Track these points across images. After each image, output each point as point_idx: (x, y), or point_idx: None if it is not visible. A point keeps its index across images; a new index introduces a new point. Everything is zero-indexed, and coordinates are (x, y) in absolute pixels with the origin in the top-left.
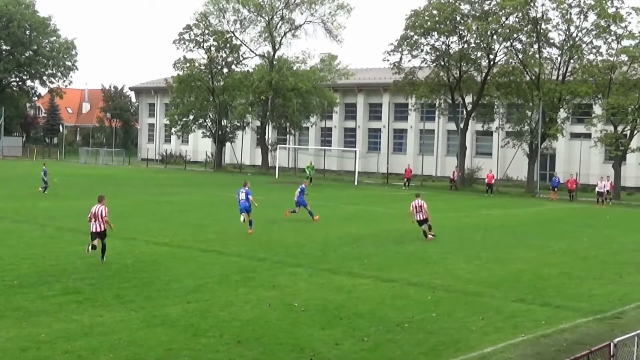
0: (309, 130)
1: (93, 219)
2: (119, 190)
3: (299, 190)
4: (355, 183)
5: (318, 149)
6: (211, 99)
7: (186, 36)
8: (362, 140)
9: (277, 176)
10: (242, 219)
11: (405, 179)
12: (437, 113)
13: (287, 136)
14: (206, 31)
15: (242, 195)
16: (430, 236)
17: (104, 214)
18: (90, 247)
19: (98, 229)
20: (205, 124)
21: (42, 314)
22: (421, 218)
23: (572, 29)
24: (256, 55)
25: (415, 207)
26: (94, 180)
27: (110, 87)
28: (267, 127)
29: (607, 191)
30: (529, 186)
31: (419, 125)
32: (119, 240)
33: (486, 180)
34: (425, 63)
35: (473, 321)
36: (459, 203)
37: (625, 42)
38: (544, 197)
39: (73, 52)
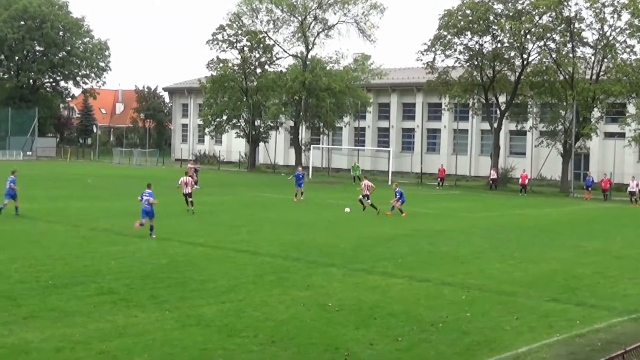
0: (343, 130)
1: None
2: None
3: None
4: (389, 183)
5: (351, 148)
6: (244, 99)
7: (219, 36)
8: (396, 140)
9: (310, 176)
10: (138, 224)
11: (439, 179)
12: (470, 113)
13: (321, 136)
14: (239, 31)
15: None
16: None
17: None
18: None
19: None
20: (239, 124)
21: (77, 314)
22: (366, 193)
23: (606, 28)
24: (289, 55)
25: (366, 185)
26: (128, 181)
27: (143, 87)
28: (300, 127)
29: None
30: (563, 186)
31: (453, 125)
32: (153, 241)
33: (520, 180)
34: (459, 63)
35: (507, 321)
36: (492, 203)
37: None
38: (578, 197)
39: (106, 53)
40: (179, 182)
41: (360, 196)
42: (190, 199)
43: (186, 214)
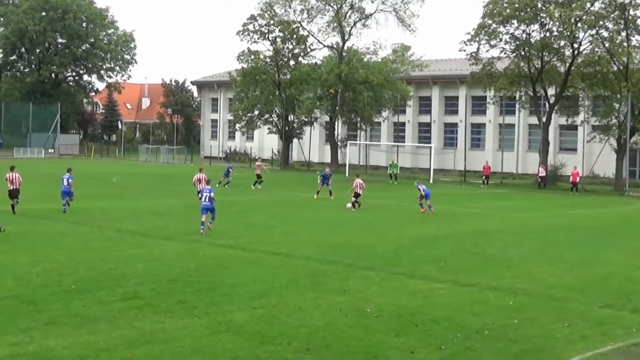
0: (381, 125)
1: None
2: (180, 189)
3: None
4: (431, 181)
5: (391, 145)
6: (277, 93)
7: (250, 27)
8: (438, 135)
9: (347, 174)
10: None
11: (484, 177)
12: (517, 106)
13: (358, 132)
14: (271, 21)
15: (65, 182)
16: (349, 205)
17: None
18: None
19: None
20: (271, 119)
21: (101, 320)
22: (358, 191)
23: None
24: (324, 46)
25: (358, 184)
26: (155, 180)
27: (171, 81)
28: (336, 122)
29: None
30: (617, 184)
31: (498, 120)
32: (181, 242)
33: (571, 177)
34: (505, 53)
35: (558, 328)
36: (542, 202)
37: None
38: (633, 196)
39: (132, 45)
40: (194, 181)
41: (353, 199)
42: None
43: (218, 214)
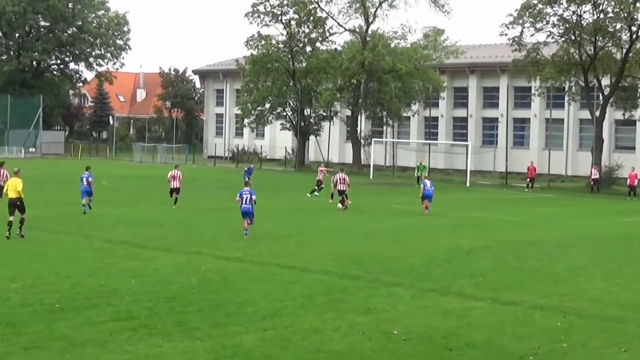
0: (410, 120)
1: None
2: (181, 194)
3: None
4: (467, 184)
5: (421, 143)
6: (291, 84)
7: (261, 8)
8: (475, 132)
9: (371, 176)
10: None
11: (528, 180)
12: (566, 98)
13: (384, 128)
14: (285, 2)
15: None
16: (340, 206)
17: None
18: None
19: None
20: (285, 113)
21: (89, 344)
22: (342, 188)
23: None
24: (345, 30)
25: (339, 179)
26: (151, 183)
27: (170, 70)
28: (359, 117)
29: None
30: None
31: (545, 114)
32: (181, 254)
33: (628, 180)
34: (552, 38)
35: (613, 353)
36: (595, 208)
37: None
38: None
39: (125, 29)
40: (168, 177)
41: (340, 197)
42: (176, 195)
43: (221, 223)
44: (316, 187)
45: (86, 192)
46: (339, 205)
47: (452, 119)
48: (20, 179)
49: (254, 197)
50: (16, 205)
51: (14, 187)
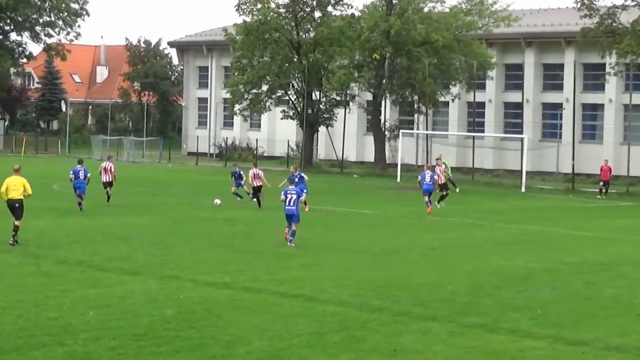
0: (449, 106)
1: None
2: (153, 200)
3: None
4: (522, 189)
5: (463, 136)
6: (296, 60)
7: None
8: (533, 122)
9: (399, 179)
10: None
11: (601, 183)
12: None
13: (415, 116)
14: None
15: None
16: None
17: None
18: None
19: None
20: (287, 97)
21: None
22: (256, 185)
23: None
24: None
25: (254, 174)
26: (116, 187)
27: (139, 42)
28: (383, 102)
29: None
30: None
31: (623, 99)
32: (153, 279)
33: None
34: (633, 0)
35: None
36: None
37: None
38: None
39: None
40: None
41: (250, 193)
42: (109, 190)
43: (204, 238)
44: (444, 194)
45: (79, 189)
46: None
47: (502, 105)
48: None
49: (302, 197)
50: (14, 207)
51: (18, 186)
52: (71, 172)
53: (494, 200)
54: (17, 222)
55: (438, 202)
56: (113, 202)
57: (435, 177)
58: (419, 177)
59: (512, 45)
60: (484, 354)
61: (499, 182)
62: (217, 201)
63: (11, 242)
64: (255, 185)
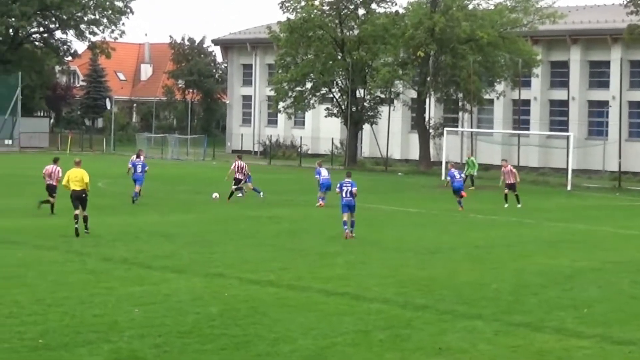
0: (494, 104)
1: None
2: (196, 198)
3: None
4: (568, 187)
5: (508, 134)
6: (340, 57)
7: None
8: (579, 119)
9: (443, 176)
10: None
11: None
12: None
13: (460, 114)
14: None
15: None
16: (240, 194)
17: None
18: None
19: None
20: (331, 95)
21: None
22: (240, 177)
23: None
24: None
25: (237, 167)
26: (159, 184)
27: (183, 40)
28: (427, 100)
29: None
30: None
31: None
32: (198, 277)
33: (502, 178)
34: None
35: None
36: None
37: None
38: None
39: None
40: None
41: (233, 186)
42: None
43: (249, 237)
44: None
45: (138, 180)
46: (239, 194)
47: (548, 103)
48: (83, 169)
49: (354, 189)
50: (81, 198)
51: (78, 178)
52: (130, 164)
53: (539, 199)
54: (83, 212)
55: (518, 203)
56: (155, 200)
57: (503, 177)
58: (448, 177)
59: (558, 42)
60: (529, 353)
61: (545, 180)
62: (215, 195)
63: (86, 231)
64: (237, 177)
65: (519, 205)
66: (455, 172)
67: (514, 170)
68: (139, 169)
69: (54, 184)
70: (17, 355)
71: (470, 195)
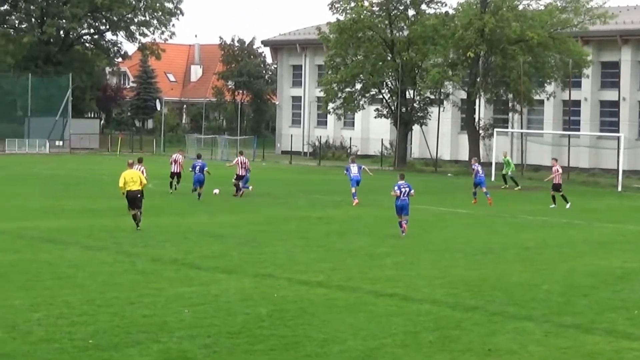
0: (544, 105)
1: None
2: (246, 199)
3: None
4: (619, 188)
5: (558, 134)
6: (389, 58)
7: None
8: (630, 120)
9: (493, 177)
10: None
11: None
12: None
13: (510, 115)
14: None
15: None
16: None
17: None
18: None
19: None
20: (381, 96)
21: None
22: (241, 173)
23: None
24: None
25: (240, 163)
26: (209, 185)
27: (233, 41)
28: (477, 100)
29: None
30: None
31: None
32: (248, 278)
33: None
34: None
35: None
36: None
37: None
38: None
39: None
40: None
41: (234, 180)
42: (176, 180)
43: (299, 237)
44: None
45: (199, 182)
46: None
47: (598, 104)
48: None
49: (412, 191)
50: (137, 198)
51: (135, 178)
52: (190, 168)
53: (589, 200)
54: (139, 212)
55: (567, 204)
56: (205, 201)
57: (551, 176)
58: (474, 170)
59: (609, 42)
60: (579, 354)
61: (595, 181)
62: (216, 191)
63: (139, 228)
64: (239, 173)
65: (568, 205)
66: (479, 168)
67: (560, 170)
68: (197, 170)
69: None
70: (68, 356)
71: (519, 196)
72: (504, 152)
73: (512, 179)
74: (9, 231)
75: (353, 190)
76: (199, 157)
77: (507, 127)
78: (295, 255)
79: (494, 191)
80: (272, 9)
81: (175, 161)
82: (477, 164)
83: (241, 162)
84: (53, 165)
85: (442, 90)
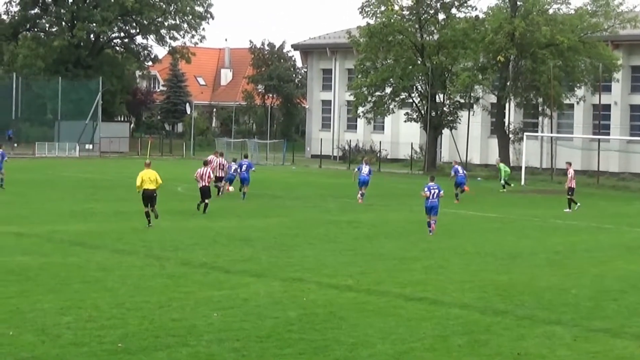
0: (574, 109)
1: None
2: (276, 203)
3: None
4: None
5: (588, 138)
6: (419, 62)
7: None
8: None
9: (523, 181)
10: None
11: None
12: None
13: (540, 119)
14: None
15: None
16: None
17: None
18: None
19: None
20: (411, 100)
21: None
22: (220, 175)
23: None
24: None
25: (219, 164)
26: (238, 189)
27: (263, 45)
28: (507, 105)
29: None
30: None
31: None
32: (277, 282)
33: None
34: None
35: None
36: None
37: None
38: None
39: None
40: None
41: (214, 184)
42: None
43: (328, 241)
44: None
45: (245, 179)
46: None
47: (629, 108)
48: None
49: (441, 192)
50: (152, 197)
51: (152, 178)
52: (237, 165)
53: (619, 204)
54: (153, 209)
55: (576, 205)
56: (234, 204)
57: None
58: (452, 172)
59: (639, 47)
60: (608, 359)
61: (625, 185)
62: (231, 188)
63: (150, 225)
64: (218, 175)
65: (569, 210)
66: (459, 168)
67: (572, 174)
68: (244, 168)
69: (206, 184)
70: (97, 359)
71: (549, 200)
72: (497, 159)
73: (504, 183)
74: (39, 234)
75: (362, 190)
76: (245, 157)
77: (537, 131)
78: (325, 259)
79: (517, 196)
80: (302, 12)
81: (221, 165)
82: (457, 165)
83: (219, 164)
84: (83, 168)
85: (472, 94)
